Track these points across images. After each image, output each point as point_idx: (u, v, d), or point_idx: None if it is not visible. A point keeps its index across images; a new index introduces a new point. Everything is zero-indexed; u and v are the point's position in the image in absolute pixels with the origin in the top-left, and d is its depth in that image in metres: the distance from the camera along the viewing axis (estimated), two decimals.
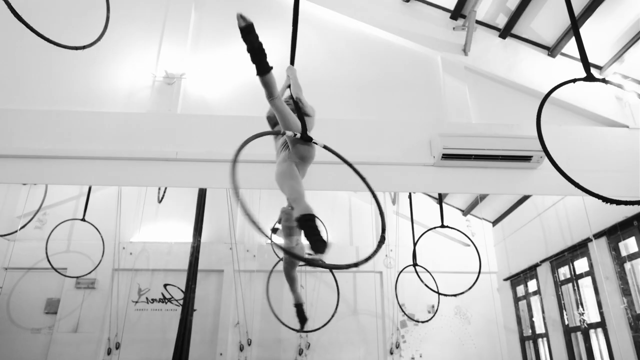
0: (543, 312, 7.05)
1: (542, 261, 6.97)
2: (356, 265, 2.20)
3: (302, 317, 5.34)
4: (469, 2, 5.34)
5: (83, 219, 7.09)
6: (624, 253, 5.36)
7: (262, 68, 2.46)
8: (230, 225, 8.15)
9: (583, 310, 6.05)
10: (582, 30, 4.38)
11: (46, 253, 7.09)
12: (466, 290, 6.75)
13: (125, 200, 8.13)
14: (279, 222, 5.57)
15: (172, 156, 4.60)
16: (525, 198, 7.55)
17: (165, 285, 8.24)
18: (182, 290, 7.68)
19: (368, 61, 5.74)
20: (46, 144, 4.61)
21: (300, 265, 7.57)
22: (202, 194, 7.14)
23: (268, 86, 2.50)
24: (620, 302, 5.27)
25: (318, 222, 2.26)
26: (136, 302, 8.12)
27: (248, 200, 8.75)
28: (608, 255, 5.52)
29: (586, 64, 2.98)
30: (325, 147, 2.71)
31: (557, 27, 5.26)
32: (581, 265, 6.18)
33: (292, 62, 2.99)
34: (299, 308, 5.33)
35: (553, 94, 3.10)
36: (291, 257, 5.05)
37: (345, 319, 8.26)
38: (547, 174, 4.63)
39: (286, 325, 6.49)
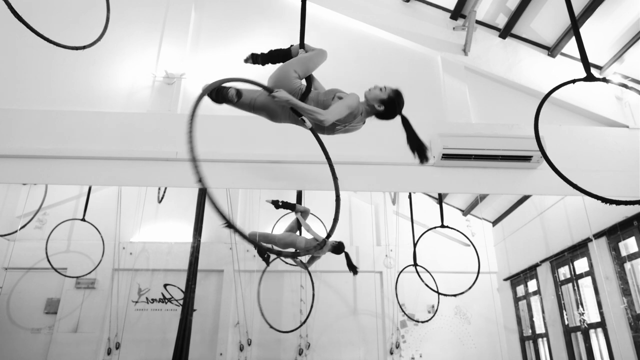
0: (543, 312, 7.05)
1: (542, 261, 6.97)
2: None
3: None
4: (469, 2, 5.34)
5: (83, 219, 7.09)
6: (624, 253, 5.35)
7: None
8: None
9: (583, 310, 6.05)
10: (582, 30, 4.38)
11: (46, 253, 7.09)
12: (466, 290, 6.76)
13: (125, 200, 8.13)
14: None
15: (172, 156, 4.60)
16: (525, 198, 7.55)
17: (165, 285, 8.24)
18: (182, 290, 7.68)
19: (368, 61, 5.74)
20: (46, 144, 4.61)
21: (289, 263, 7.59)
22: (202, 194, 7.14)
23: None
24: (620, 302, 5.27)
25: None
26: (136, 302, 8.12)
27: (248, 200, 8.76)
28: (608, 255, 5.52)
29: (586, 64, 2.98)
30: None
31: (557, 27, 5.26)
32: (581, 265, 6.18)
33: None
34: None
35: (553, 94, 3.10)
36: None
37: (345, 319, 8.26)
38: (547, 174, 4.62)
39: (273, 327, 6.84)
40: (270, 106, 2.88)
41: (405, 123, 2.87)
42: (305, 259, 6.65)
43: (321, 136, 2.96)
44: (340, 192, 2.78)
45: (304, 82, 2.98)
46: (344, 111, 2.73)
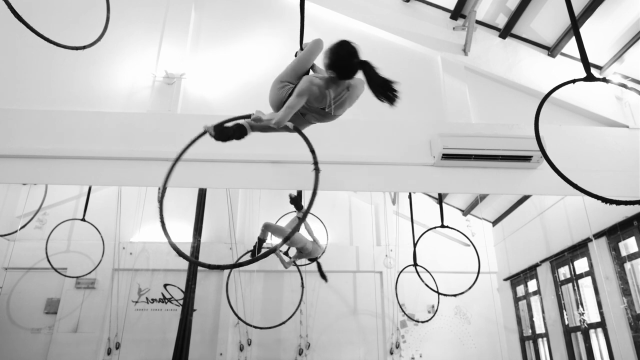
0: (543, 312, 7.05)
1: (542, 261, 6.97)
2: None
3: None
4: (469, 2, 5.34)
5: (83, 219, 7.09)
6: (624, 253, 5.35)
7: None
8: (230, 225, 8.15)
9: (583, 310, 6.05)
10: (582, 30, 4.38)
11: (46, 253, 7.09)
12: (466, 290, 6.76)
13: (125, 200, 8.13)
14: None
15: (172, 156, 4.54)
16: (525, 198, 7.55)
17: (165, 285, 8.24)
18: (182, 290, 7.68)
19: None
20: (46, 144, 4.60)
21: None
22: (202, 194, 7.14)
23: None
24: (620, 302, 5.27)
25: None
26: (136, 302, 8.12)
27: (248, 200, 8.77)
28: (608, 255, 5.52)
29: (586, 64, 2.98)
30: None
31: (557, 27, 5.26)
32: (581, 265, 6.18)
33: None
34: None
35: (553, 94, 3.09)
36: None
37: (345, 319, 8.26)
38: (547, 174, 4.63)
39: (245, 322, 7.11)
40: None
41: (365, 68, 2.48)
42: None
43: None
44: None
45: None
46: (296, 103, 2.52)
